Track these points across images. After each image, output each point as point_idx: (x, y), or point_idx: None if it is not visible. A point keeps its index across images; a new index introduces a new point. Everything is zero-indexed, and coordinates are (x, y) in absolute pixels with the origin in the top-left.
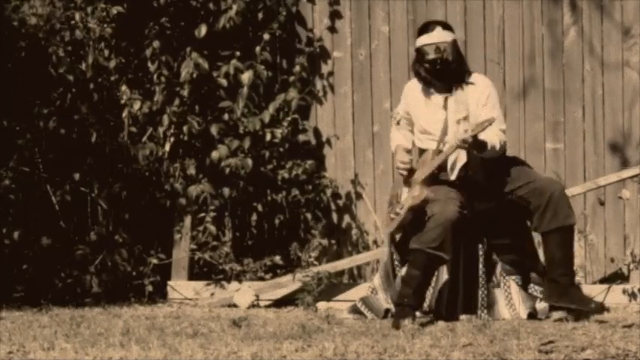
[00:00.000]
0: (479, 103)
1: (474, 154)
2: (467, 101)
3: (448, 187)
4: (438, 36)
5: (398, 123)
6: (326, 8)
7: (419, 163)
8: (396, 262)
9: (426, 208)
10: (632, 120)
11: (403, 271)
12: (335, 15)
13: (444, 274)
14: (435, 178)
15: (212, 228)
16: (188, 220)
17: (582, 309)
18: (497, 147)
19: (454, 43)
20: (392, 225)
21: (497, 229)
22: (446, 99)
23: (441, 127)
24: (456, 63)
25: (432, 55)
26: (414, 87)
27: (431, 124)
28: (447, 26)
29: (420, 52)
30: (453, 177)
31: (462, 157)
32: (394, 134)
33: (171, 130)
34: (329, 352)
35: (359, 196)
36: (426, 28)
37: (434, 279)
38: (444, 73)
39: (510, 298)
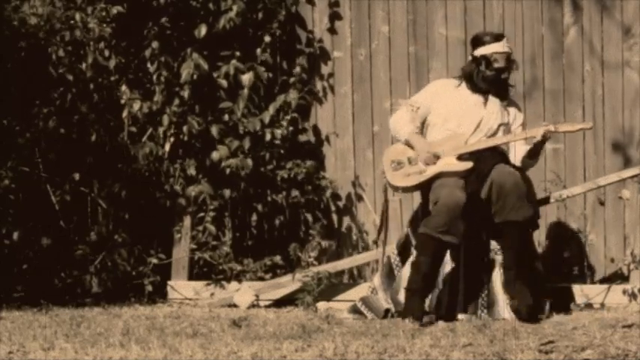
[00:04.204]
0: (514, 122)
1: (524, 157)
2: (507, 113)
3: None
4: (506, 46)
5: (416, 110)
6: (326, 9)
7: (447, 140)
8: (396, 263)
9: (431, 194)
10: (632, 120)
11: (403, 271)
12: (335, 16)
13: (445, 273)
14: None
15: (212, 228)
16: (188, 220)
17: (520, 304)
18: (537, 163)
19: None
20: (408, 181)
21: (496, 228)
22: (486, 100)
23: (475, 123)
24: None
25: (501, 64)
26: (446, 85)
27: (466, 119)
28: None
29: (486, 58)
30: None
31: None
32: (405, 120)
33: (171, 131)
34: (329, 352)
35: (359, 196)
36: (491, 36)
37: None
38: (502, 83)
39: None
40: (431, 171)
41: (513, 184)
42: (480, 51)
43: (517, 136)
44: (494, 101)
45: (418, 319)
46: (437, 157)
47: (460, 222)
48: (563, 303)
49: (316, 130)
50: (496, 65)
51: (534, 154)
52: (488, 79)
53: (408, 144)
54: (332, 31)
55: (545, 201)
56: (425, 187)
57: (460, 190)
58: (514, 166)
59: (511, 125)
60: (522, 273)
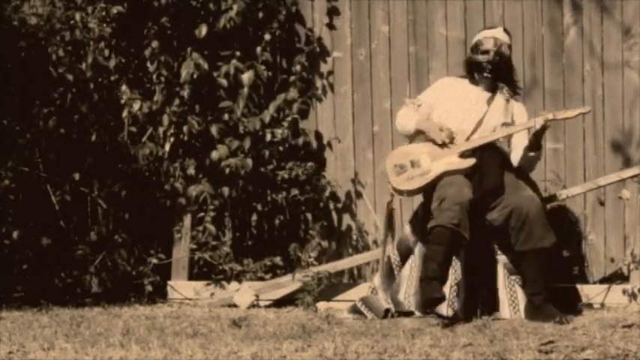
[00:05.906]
0: (518, 119)
1: (525, 151)
2: (512, 112)
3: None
4: (497, 32)
5: (417, 107)
6: (325, 7)
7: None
8: (396, 263)
9: (436, 192)
10: (632, 120)
11: (403, 272)
12: (333, 11)
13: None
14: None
15: (212, 228)
16: (188, 219)
17: (557, 324)
18: (541, 157)
19: (510, 47)
20: (411, 184)
21: (499, 228)
22: (491, 97)
23: (477, 119)
24: (508, 65)
25: (488, 46)
26: (451, 82)
27: (467, 115)
28: (506, 31)
29: (476, 44)
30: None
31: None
32: (410, 114)
33: (171, 130)
34: (329, 352)
35: (359, 196)
36: (486, 27)
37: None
38: (496, 68)
39: (515, 297)
40: (434, 172)
41: (537, 212)
42: (473, 40)
43: (516, 128)
44: (498, 100)
45: (435, 303)
46: (451, 134)
47: (467, 219)
48: (563, 303)
49: (316, 130)
50: (482, 48)
51: (535, 146)
52: (478, 63)
53: (419, 131)
54: (331, 26)
55: (552, 199)
56: (429, 187)
57: (467, 188)
58: (525, 180)
59: (515, 123)
60: (547, 295)
